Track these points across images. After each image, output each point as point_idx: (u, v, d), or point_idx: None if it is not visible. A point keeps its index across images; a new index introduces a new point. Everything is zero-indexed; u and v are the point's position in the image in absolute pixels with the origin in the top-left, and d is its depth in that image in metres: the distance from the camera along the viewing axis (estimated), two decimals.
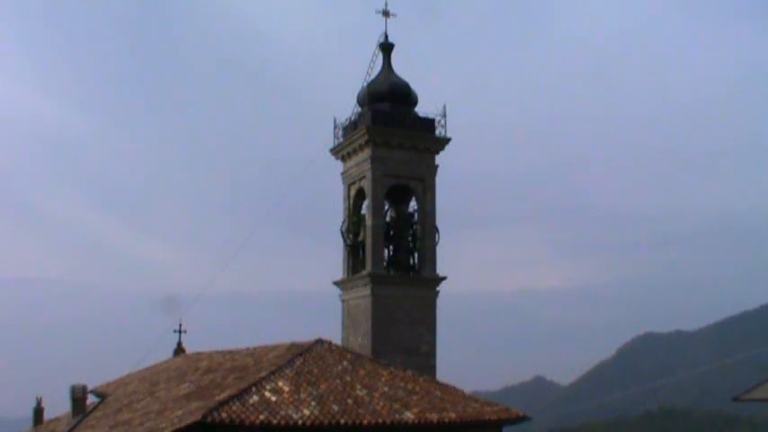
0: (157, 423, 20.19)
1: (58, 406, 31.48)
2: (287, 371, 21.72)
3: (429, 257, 27.74)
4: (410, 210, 28.86)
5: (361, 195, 28.46)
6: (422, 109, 29.01)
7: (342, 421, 19.78)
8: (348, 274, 28.35)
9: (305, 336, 24.89)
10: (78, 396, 27.93)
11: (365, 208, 28.13)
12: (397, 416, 20.70)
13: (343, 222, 28.98)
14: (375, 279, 26.59)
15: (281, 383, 20.94)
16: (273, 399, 20.08)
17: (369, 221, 27.43)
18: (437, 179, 28.23)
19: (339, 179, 29.52)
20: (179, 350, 34.65)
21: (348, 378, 22.17)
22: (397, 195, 28.59)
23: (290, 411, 19.61)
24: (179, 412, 20.42)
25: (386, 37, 29.63)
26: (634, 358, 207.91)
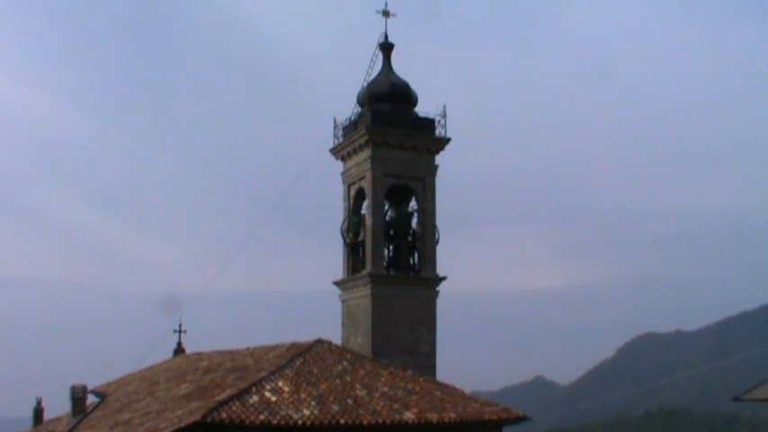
0: (157, 423, 20.20)
1: (58, 406, 31.51)
2: (287, 371, 21.73)
3: (429, 257, 27.73)
4: (410, 210, 28.85)
5: (361, 195, 28.44)
6: (422, 109, 29.01)
7: (342, 421, 19.79)
8: (348, 274, 28.35)
9: (305, 336, 24.89)
10: (78, 396, 27.95)
11: (365, 208, 28.12)
12: (397, 416, 20.71)
13: (343, 222, 28.98)
14: (375, 279, 26.59)
15: (281, 383, 20.95)
16: (273, 399, 20.09)
17: (369, 221, 27.43)
18: (437, 179, 28.22)
19: (339, 179, 29.51)
20: (179, 350, 34.64)
21: (348, 378, 22.18)
22: (397, 195, 28.58)
23: (290, 411, 19.62)
24: (179, 412, 20.43)
25: (386, 37, 29.61)
26: (634, 358, 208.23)
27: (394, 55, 29.75)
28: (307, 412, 19.72)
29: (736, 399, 29.40)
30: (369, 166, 27.33)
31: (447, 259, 28.03)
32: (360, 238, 28.17)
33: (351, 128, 28.61)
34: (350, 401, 20.81)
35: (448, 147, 28.40)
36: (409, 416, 20.87)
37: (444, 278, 27.55)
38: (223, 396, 20.09)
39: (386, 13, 29.50)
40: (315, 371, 22.09)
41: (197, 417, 18.59)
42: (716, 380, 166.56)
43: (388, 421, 20.42)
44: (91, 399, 29.33)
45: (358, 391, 21.49)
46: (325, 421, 19.61)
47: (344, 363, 23.12)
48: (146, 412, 22.67)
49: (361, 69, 29.35)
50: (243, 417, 18.93)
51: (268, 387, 20.63)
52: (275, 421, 19.14)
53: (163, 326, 35.00)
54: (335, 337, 26.87)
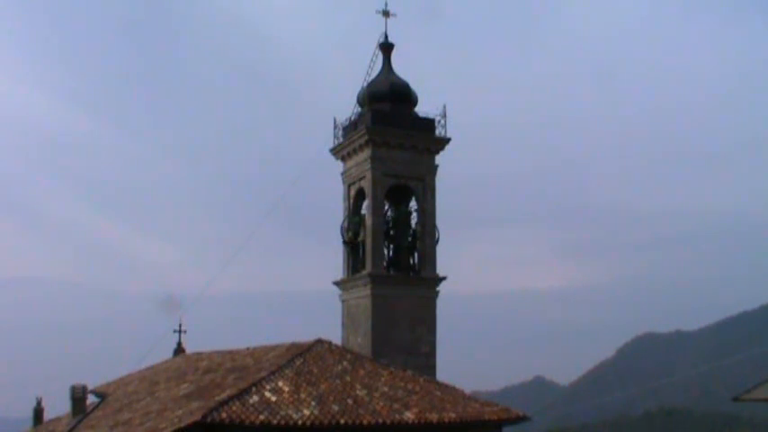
0: (157, 423, 20.19)
1: (58, 406, 31.51)
2: (287, 371, 21.71)
3: (429, 257, 27.73)
4: (410, 210, 28.85)
5: (361, 195, 28.45)
6: (422, 109, 29.02)
7: (342, 421, 19.77)
8: (348, 274, 28.35)
9: (305, 336, 24.93)
10: (78, 396, 27.93)
11: (365, 208, 28.12)
12: (397, 416, 20.69)
13: (343, 222, 28.98)
14: (375, 279, 26.59)
15: (281, 383, 20.94)
16: (273, 399, 20.07)
17: (369, 221, 27.43)
18: (437, 179, 28.22)
19: (339, 179, 29.52)
20: (179, 350, 34.62)
21: (348, 378, 22.17)
22: (397, 195, 28.58)
23: (290, 411, 19.61)
24: (179, 412, 20.42)
25: (386, 37, 29.61)
26: (634, 358, 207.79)
27: (394, 55, 29.77)
28: (307, 412, 19.71)
29: (736, 399, 29.39)
30: (369, 166, 27.33)
31: (447, 259, 28.06)
32: (360, 238, 28.16)
33: (351, 128, 28.60)
34: (350, 401, 20.79)
35: (448, 147, 28.41)
36: (409, 416, 20.86)
37: (444, 278, 27.55)
38: (223, 396, 20.08)
39: (386, 13, 29.50)
40: (315, 371, 22.07)
41: (197, 417, 18.57)
42: (716, 380, 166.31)
43: (388, 421, 20.41)
44: (91, 399, 29.31)
45: (358, 391, 21.48)
46: (325, 421, 19.59)
47: (344, 363, 23.10)
48: (146, 412, 22.65)
49: (361, 69, 29.42)
50: (243, 417, 18.91)
51: (268, 387, 20.61)
52: (275, 421, 19.13)
53: (163, 326, 35.04)
54: (335, 337, 26.90)
